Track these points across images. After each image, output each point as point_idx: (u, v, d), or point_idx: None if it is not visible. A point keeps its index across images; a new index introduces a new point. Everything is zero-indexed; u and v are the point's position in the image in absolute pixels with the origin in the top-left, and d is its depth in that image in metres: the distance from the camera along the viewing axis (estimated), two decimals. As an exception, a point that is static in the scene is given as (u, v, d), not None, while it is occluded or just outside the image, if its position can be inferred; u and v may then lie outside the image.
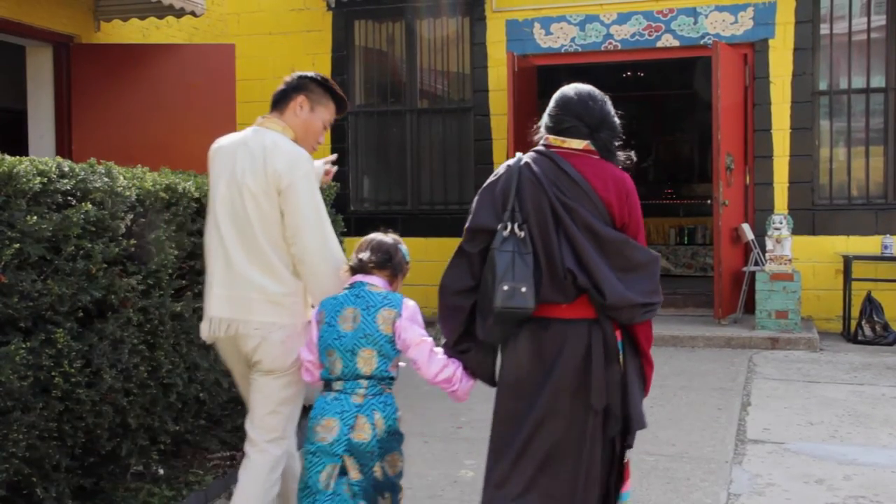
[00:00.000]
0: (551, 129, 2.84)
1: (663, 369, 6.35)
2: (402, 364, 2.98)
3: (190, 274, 3.95)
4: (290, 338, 3.07)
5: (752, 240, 8.42)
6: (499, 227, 2.71)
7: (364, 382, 2.87)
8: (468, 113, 9.44)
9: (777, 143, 8.60)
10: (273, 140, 3.12)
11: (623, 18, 8.93)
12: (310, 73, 3.33)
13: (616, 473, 2.82)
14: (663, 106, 13.77)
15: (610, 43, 8.97)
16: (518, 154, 2.86)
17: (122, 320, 3.36)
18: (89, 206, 3.19)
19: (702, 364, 6.92)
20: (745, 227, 8.50)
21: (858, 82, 8.54)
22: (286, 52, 9.90)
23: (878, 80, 8.50)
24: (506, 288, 2.63)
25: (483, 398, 5.63)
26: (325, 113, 3.34)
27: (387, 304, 2.90)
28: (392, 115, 9.80)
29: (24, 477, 3.07)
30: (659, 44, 8.87)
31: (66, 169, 3.21)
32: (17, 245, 2.88)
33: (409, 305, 2.93)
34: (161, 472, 4.08)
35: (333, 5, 9.67)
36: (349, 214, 9.28)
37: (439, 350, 2.89)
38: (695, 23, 8.76)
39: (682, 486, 4.18)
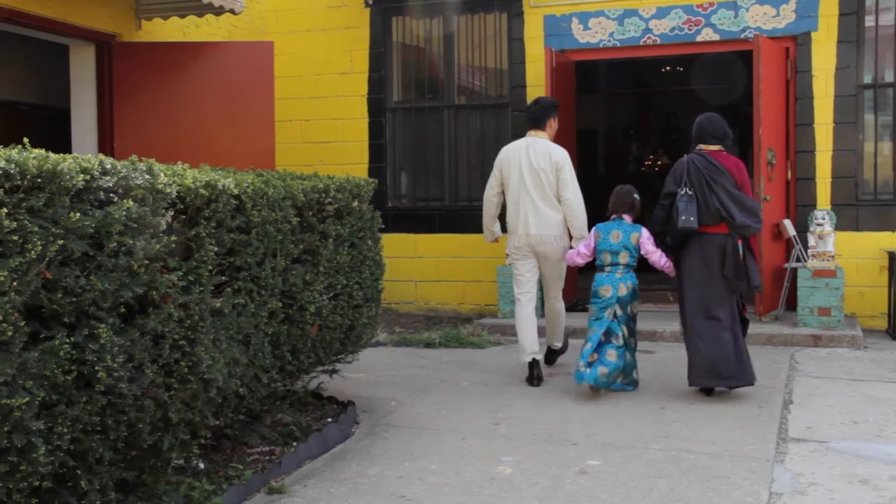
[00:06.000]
0: (699, 141, 5.68)
1: (703, 367, 6.24)
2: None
3: (229, 270, 3.98)
4: (565, 244, 6.12)
5: (794, 236, 8.30)
6: (678, 189, 5.53)
7: (621, 267, 5.77)
8: (506, 109, 9.40)
9: (820, 138, 8.47)
10: (549, 144, 6.17)
11: (662, 13, 8.84)
12: (553, 101, 6.40)
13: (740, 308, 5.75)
14: (703, 100, 13.59)
15: (649, 37, 8.89)
16: (685, 155, 5.68)
17: (162, 316, 3.39)
18: (131, 202, 3.22)
19: (742, 361, 6.82)
20: (787, 222, 8.38)
21: (904, 75, 8.38)
22: (324, 48, 9.94)
23: (924, 73, 8.33)
24: (683, 217, 5.44)
25: (519, 396, 5.61)
26: (557, 125, 6.38)
27: (635, 230, 5.80)
28: (430, 111, 9.79)
29: (68, 469, 3.11)
30: (699, 38, 8.77)
31: (108, 166, 3.24)
32: (60, 241, 2.91)
33: (645, 231, 5.79)
34: (201, 465, 4.12)
35: (371, 2, 9.69)
36: (387, 211, 9.27)
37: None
38: (735, 16, 8.64)
39: (723, 484, 4.13)
